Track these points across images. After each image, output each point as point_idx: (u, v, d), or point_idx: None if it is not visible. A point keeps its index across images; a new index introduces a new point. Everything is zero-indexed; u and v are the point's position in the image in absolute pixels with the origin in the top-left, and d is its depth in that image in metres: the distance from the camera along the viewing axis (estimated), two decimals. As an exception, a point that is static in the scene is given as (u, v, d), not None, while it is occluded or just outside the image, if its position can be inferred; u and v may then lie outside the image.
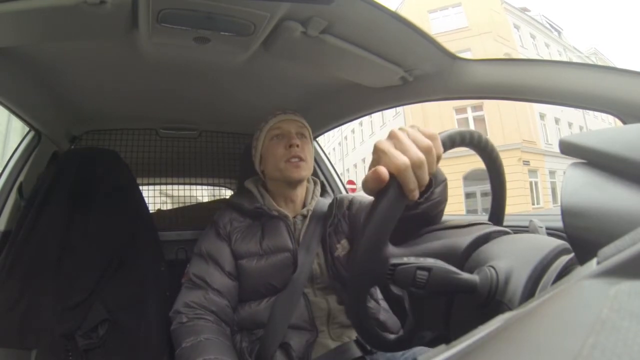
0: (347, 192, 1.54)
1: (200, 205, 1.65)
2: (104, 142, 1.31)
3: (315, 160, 1.48)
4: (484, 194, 12.35)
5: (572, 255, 0.39)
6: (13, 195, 1.01)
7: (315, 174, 1.44)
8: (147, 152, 1.37)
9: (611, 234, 0.21)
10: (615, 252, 0.19)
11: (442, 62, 0.84)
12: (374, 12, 0.68)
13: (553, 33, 16.76)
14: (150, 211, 1.28)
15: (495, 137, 12.39)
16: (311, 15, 0.68)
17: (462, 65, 0.84)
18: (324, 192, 0.99)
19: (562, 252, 0.40)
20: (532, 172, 12.97)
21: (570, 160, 0.35)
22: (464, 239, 0.47)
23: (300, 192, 0.93)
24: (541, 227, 0.55)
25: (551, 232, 0.57)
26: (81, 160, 1.04)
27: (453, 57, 0.83)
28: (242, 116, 1.29)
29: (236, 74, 0.97)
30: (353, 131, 19.03)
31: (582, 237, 0.31)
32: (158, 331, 0.97)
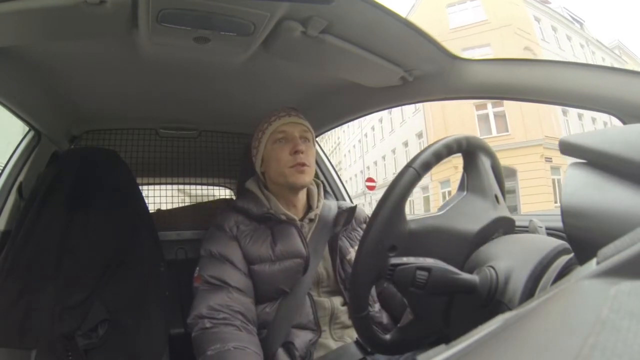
0: (347, 193, 1.54)
1: (200, 205, 1.64)
2: (104, 142, 1.31)
3: (316, 161, 1.47)
4: (506, 192, 12.02)
5: (571, 255, 0.39)
6: (13, 195, 1.01)
7: (315, 175, 1.44)
8: (147, 152, 1.37)
9: (611, 234, 0.21)
10: (614, 252, 0.19)
11: (442, 62, 0.84)
12: (374, 12, 0.68)
13: (575, 25, 16.02)
14: (150, 211, 1.27)
15: (517, 133, 12.20)
16: (311, 15, 0.68)
17: (462, 65, 0.84)
18: (325, 194, 1.00)
19: (562, 252, 0.40)
20: (555, 169, 12.53)
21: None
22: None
23: (301, 196, 0.93)
24: (541, 227, 0.55)
25: (551, 232, 0.57)
26: (81, 160, 1.04)
27: (453, 57, 0.83)
28: (242, 116, 1.29)
29: (236, 74, 0.97)
30: (373, 128, 19.12)
31: (581, 237, 0.31)
32: (158, 331, 0.97)
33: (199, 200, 1.61)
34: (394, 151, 16.92)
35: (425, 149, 0.52)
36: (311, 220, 0.91)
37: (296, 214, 0.91)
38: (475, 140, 0.56)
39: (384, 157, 17.81)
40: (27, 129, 1.08)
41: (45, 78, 0.93)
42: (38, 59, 0.84)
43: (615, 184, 0.30)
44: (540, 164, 11.92)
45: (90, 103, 1.15)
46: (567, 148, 0.35)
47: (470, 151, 0.56)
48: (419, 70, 0.89)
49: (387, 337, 0.55)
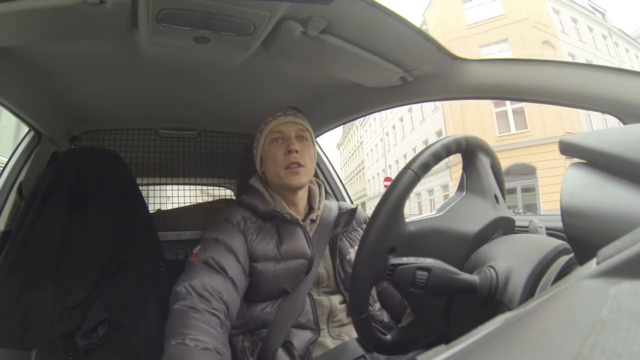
0: (347, 194, 1.54)
1: (200, 206, 1.65)
2: (104, 142, 1.31)
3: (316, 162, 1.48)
4: (525, 190, 11.93)
5: (571, 255, 0.39)
6: (13, 195, 1.01)
7: (315, 175, 1.44)
8: (146, 152, 1.37)
9: (611, 234, 0.21)
10: (614, 252, 0.19)
11: (442, 63, 0.85)
12: (374, 12, 0.68)
13: (596, 15, 15.41)
14: (150, 211, 1.28)
15: (536, 130, 12.05)
16: (311, 15, 0.69)
17: (462, 65, 0.84)
18: (325, 194, 0.99)
19: (562, 252, 0.40)
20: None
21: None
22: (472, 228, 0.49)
23: (302, 196, 0.92)
24: (541, 227, 0.55)
25: (551, 232, 0.57)
26: (81, 160, 1.04)
27: (453, 57, 0.84)
28: (242, 116, 1.29)
29: (236, 74, 0.97)
30: (394, 127, 19.40)
31: (581, 237, 0.31)
32: (158, 331, 0.97)
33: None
34: (415, 149, 16.97)
35: (424, 150, 0.51)
36: (313, 221, 0.92)
37: (298, 213, 0.91)
38: (474, 140, 0.56)
39: (405, 156, 17.96)
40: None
41: (45, 78, 0.93)
42: (38, 59, 0.84)
43: (615, 184, 0.30)
44: (561, 161, 11.50)
45: (90, 103, 1.15)
46: (566, 148, 0.35)
47: (469, 151, 0.56)
48: (419, 70, 0.89)
49: (388, 337, 0.55)
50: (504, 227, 0.53)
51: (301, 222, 0.88)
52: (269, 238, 0.84)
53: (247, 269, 0.82)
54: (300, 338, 0.80)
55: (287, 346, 0.79)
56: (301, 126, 0.90)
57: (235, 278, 0.78)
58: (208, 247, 0.80)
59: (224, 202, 1.56)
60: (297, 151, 0.85)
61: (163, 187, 1.69)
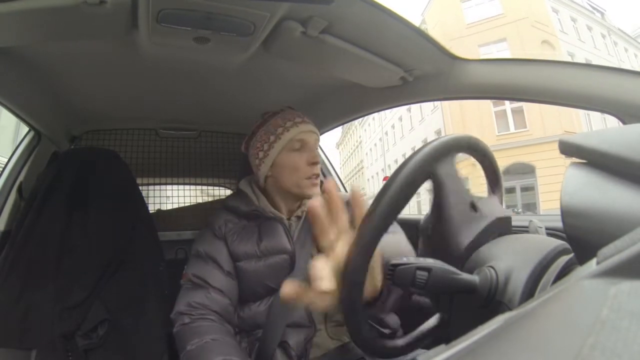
0: (346, 192, 1.54)
1: (200, 206, 1.65)
2: (104, 142, 1.32)
3: None
4: (524, 189, 11.97)
5: (571, 255, 0.39)
6: (13, 195, 1.01)
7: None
8: (146, 152, 1.37)
9: (611, 234, 0.21)
10: (614, 252, 0.19)
11: (442, 63, 0.85)
12: (374, 12, 0.68)
13: (596, 15, 15.45)
14: (150, 211, 1.28)
15: (535, 129, 12.05)
16: (311, 15, 0.69)
17: (462, 65, 0.84)
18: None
19: (562, 252, 0.40)
20: (576, 165, 12.60)
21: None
22: (464, 239, 0.47)
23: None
24: (541, 227, 0.55)
25: (551, 232, 0.57)
26: (81, 160, 1.04)
27: (453, 57, 0.84)
28: (242, 116, 1.29)
29: (236, 74, 0.97)
30: (393, 127, 19.45)
31: (581, 237, 0.31)
32: (158, 331, 0.98)
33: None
34: (414, 149, 16.88)
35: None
36: (298, 217, 0.91)
37: (288, 211, 0.91)
38: (426, 160, 0.46)
39: (404, 155, 18.01)
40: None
41: (45, 78, 0.93)
42: (38, 59, 0.84)
43: (615, 184, 0.30)
44: (560, 160, 11.49)
45: (90, 103, 1.15)
46: (566, 148, 0.35)
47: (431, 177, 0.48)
48: (419, 71, 0.89)
49: (389, 344, 0.54)
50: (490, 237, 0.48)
51: (283, 219, 0.88)
52: (249, 236, 0.86)
53: (233, 271, 0.85)
54: (296, 337, 0.80)
55: (284, 346, 0.79)
56: (317, 136, 0.91)
57: (220, 285, 0.83)
58: (192, 264, 0.87)
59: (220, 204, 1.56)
60: (318, 163, 0.87)
61: (163, 187, 1.69)
